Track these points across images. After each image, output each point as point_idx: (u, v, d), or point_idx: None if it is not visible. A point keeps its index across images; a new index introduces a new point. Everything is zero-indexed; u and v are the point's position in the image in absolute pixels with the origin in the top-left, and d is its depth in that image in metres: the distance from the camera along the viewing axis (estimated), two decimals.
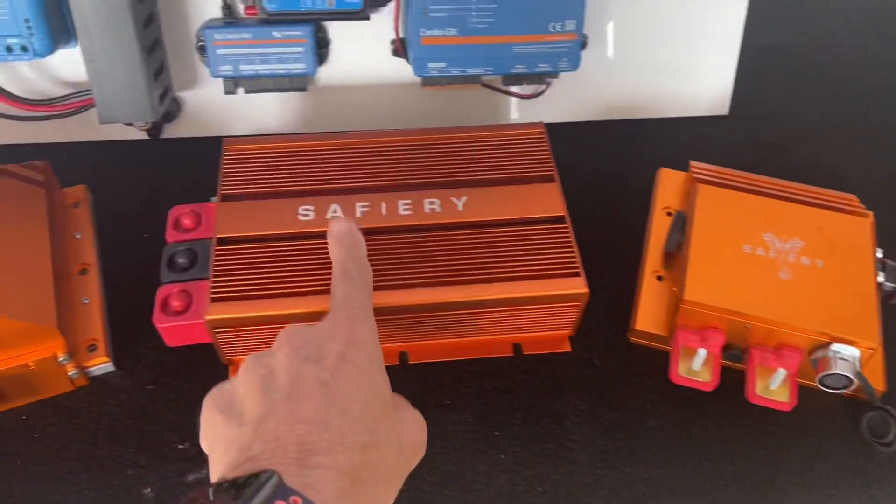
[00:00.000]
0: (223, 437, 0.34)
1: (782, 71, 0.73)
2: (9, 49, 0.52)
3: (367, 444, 0.33)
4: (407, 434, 0.38)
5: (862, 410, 0.49)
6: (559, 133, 0.61)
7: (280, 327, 0.47)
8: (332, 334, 0.37)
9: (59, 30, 0.53)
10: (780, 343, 0.48)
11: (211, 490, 0.30)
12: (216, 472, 0.33)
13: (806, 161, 0.65)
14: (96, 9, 0.52)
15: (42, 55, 0.53)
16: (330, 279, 0.47)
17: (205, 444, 0.35)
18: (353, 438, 0.33)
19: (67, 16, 0.53)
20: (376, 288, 0.47)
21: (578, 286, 0.48)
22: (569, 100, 0.65)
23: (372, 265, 0.48)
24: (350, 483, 0.32)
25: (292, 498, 0.29)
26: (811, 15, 0.80)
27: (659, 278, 0.54)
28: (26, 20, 0.51)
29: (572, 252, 0.50)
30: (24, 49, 0.52)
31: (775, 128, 0.68)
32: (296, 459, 0.31)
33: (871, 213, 0.54)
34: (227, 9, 0.58)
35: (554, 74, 0.61)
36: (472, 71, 0.58)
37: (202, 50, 0.59)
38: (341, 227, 0.44)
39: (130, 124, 0.61)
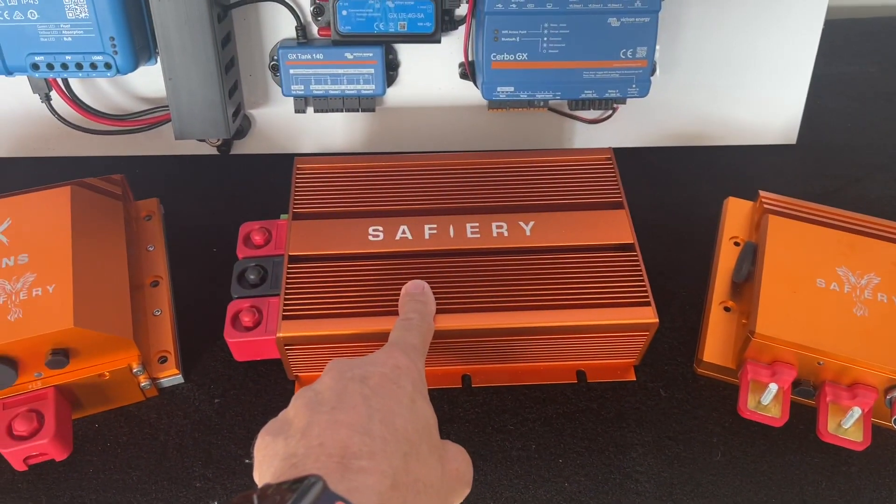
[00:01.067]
0: (271, 452, 0.34)
1: (852, 100, 0.72)
2: (93, 66, 0.54)
3: (408, 453, 0.34)
4: (450, 460, 0.38)
5: None
6: (624, 158, 0.61)
7: (349, 346, 0.48)
8: (379, 360, 0.39)
9: (141, 47, 0.55)
10: (854, 380, 0.47)
11: (256, 496, 0.30)
12: (262, 482, 0.34)
13: (877, 193, 0.64)
14: (179, 28, 0.53)
15: (124, 72, 0.54)
16: (396, 299, 0.48)
17: (256, 474, 0.35)
18: (394, 446, 0.34)
19: (150, 34, 0.55)
20: (444, 311, 0.48)
21: (648, 316, 0.48)
22: (635, 125, 0.65)
23: (439, 287, 0.48)
24: (391, 487, 0.32)
25: (336, 503, 0.29)
26: (882, 44, 0.79)
27: (727, 309, 0.53)
28: (111, 38, 0.53)
29: (642, 280, 0.49)
30: (107, 66, 0.54)
31: (844, 158, 0.67)
32: (339, 463, 0.32)
33: None
34: (301, 30, 0.59)
35: (622, 100, 0.61)
36: (540, 95, 0.58)
37: (275, 69, 0.60)
38: (415, 285, 0.47)
39: (203, 140, 0.63)
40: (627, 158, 0.62)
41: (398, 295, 0.48)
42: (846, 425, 0.47)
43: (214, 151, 0.65)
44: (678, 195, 0.64)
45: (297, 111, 0.62)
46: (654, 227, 0.60)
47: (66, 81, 0.58)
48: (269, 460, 0.34)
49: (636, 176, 0.63)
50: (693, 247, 0.58)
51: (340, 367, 0.38)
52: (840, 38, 0.78)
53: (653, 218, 0.61)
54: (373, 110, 0.62)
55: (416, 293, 0.47)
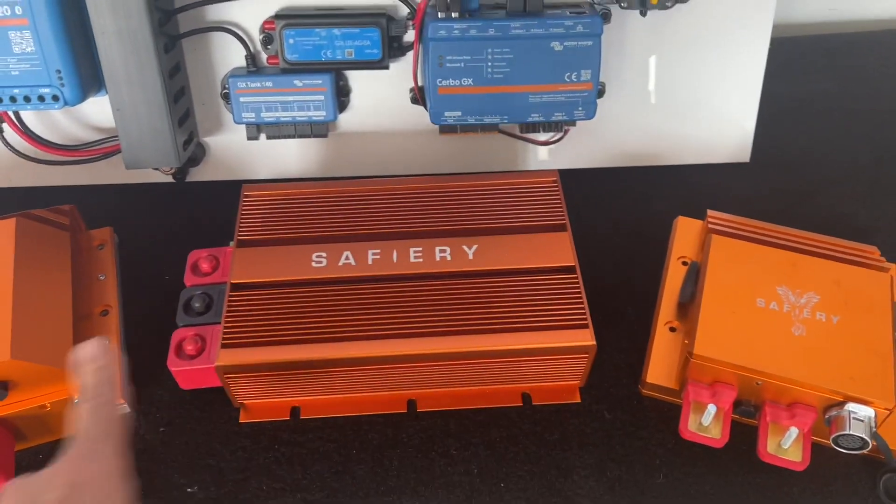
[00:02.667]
0: None
1: (809, 116, 0.73)
2: (41, 98, 0.54)
3: None
4: None
5: (878, 471, 0.47)
6: (577, 179, 0.61)
7: (289, 373, 0.48)
8: (52, 482, 0.35)
9: (88, 79, 0.56)
10: (794, 400, 0.48)
11: None
12: None
13: (829, 210, 0.64)
14: (124, 59, 0.54)
15: (72, 104, 0.55)
16: (339, 327, 0.48)
17: None
18: None
19: (97, 65, 0.55)
20: (389, 335, 0.48)
21: (586, 338, 0.48)
22: (587, 146, 0.66)
23: (381, 314, 0.49)
24: None
25: None
26: (839, 60, 0.79)
27: (672, 329, 0.54)
28: (58, 71, 0.54)
29: (581, 303, 0.50)
30: (55, 98, 0.54)
31: (798, 175, 0.67)
32: None
33: (892, 265, 0.53)
34: (251, 58, 0.59)
35: (571, 122, 0.61)
36: (488, 120, 0.59)
37: (226, 97, 0.61)
38: (87, 351, 0.40)
39: (156, 168, 0.63)
40: (580, 179, 0.63)
41: (340, 321, 0.49)
42: (785, 445, 0.47)
43: (170, 179, 0.65)
44: (631, 215, 0.64)
45: (249, 138, 0.62)
46: (607, 248, 0.60)
47: (17, 114, 0.59)
48: None
49: (589, 196, 0.63)
50: (644, 267, 0.58)
51: (15, 500, 0.34)
52: (797, 55, 0.79)
53: (605, 238, 0.61)
54: (325, 136, 0.63)
55: (89, 360, 0.40)
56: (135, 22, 0.53)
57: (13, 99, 0.54)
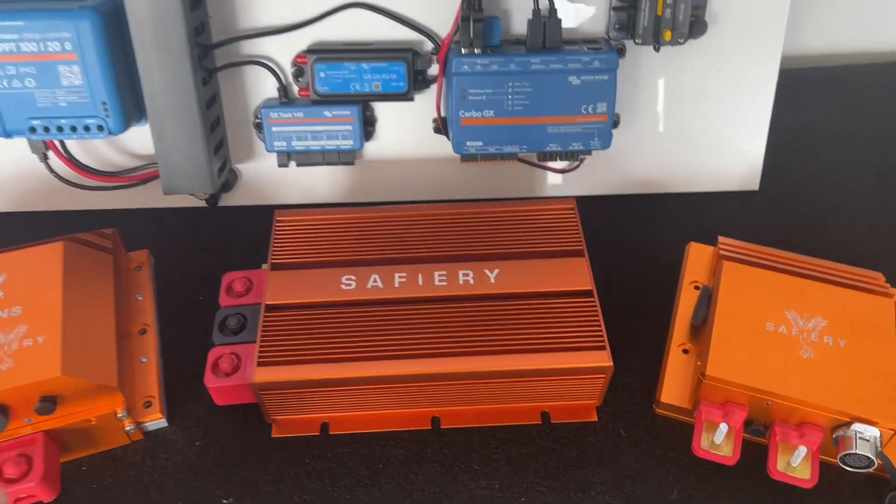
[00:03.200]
0: None
1: (817, 145, 0.75)
2: (86, 128, 0.58)
3: None
4: None
5: (885, 490, 0.49)
6: (593, 206, 0.64)
7: (321, 391, 0.51)
8: None
9: (131, 110, 0.59)
10: (802, 420, 0.50)
11: None
12: None
13: (837, 237, 0.66)
14: (166, 92, 0.57)
15: (116, 133, 0.58)
16: (367, 347, 0.51)
17: None
18: None
19: (139, 97, 0.59)
20: (414, 355, 0.50)
21: (603, 359, 0.51)
22: (603, 174, 0.68)
23: (407, 335, 0.51)
24: None
25: None
26: (846, 90, 0.82)
27: (685, 351, 0.56)
28: (103, 103, 0.57)
29: (598, 326, 0.52)
30: (100, 128, 0.58)
31: (806, 203, 0.70)
32: None
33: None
34: (283, 90, 0.62)
35: (587, 152, 0.64)
36: (507, 149, 0.61)
37: (259, 127, 0.64)
38: None
39: (191, 194, 0.66)
40: (596, 206, 0.66)
41: (368, 341, 0.51)
42: (794, 463, 0.49)
43: (203, 204, 0.68)
44: (644, 241, 0.66)
45: (280, 165, 0.65)
46: (621, 272, 0.63)
47: (62, 142, 0.62)
48: None
49: (604, 222, 0.66)
50: (657, 291, 0.61)
51: None
52: (804, 86, 0.81)
53: (619, 263, 0.64)
54: (352, 163, 0.66)
55: None
56: (176, 57, 0.56)
57: (60, 129, 0.58)
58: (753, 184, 0.70)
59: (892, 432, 0.48)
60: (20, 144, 0.61)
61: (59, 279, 0.52)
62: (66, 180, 0.63)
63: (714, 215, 0.68)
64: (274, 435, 0.53)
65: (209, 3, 0.59)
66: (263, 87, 0.63)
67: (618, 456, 0.52)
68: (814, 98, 0.81)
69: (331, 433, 0.53)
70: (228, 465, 0.52)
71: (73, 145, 0.63)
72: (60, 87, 0.56)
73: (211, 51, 0.60)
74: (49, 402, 0.48)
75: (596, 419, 0.54)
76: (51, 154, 0.62)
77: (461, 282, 0.55)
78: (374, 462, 0.52)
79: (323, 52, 0.61)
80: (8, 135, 0.58)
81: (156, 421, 0.53)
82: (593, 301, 0.53)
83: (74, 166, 0.62)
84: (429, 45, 0.61)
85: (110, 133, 0.58)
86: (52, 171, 0.63)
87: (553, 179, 0.69)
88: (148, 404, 0.53)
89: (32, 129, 0.58)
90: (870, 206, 0.69)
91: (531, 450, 0.53)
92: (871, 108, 0.80)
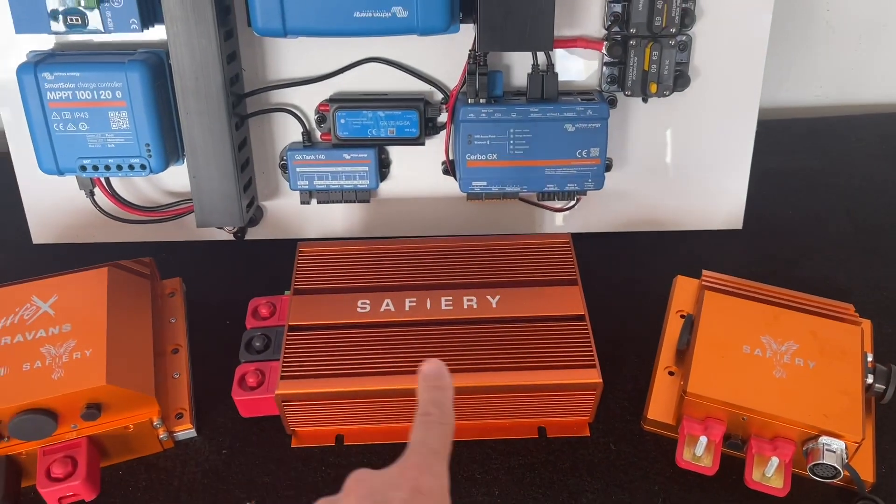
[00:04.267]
0: None
1: (796, 190, 0.81)
2: (131, 167, 0.64)
3: None
4: None
5: (852, 500, 0.54)
6: (589, 242, 0.70)
7: (338, 402, 0.56)
8: (398, 482, 0.36)
9: (170, 151, 0.66)
10: (776, 434, 0.54)
11: None
12: None
13: (813, 273, 0.72)
14: (203, 135, 0.64)
15: (156, 172, 0.65)
16: (380, 363, 0.56)
17: None
18: None
19: (178, 140, 0.65)
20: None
21: (593, 376, 0.56)
22: (597, 213, 0.74)
23: (416, 353, 0.57)
24: None
25: None
26: (824, 141, 0.88)
27: (671, 373, 0.61)
28: (147, 144, 0.64)
29: (589, 346, 0.57)
30: (143, 167, 0.64)
31: (786, 243, 0.75)
32: None
33: (865, 321, 0.61)
34: (307, 135, 0.69)
35: (582, 192, 0.70)
36: (509, 189, 0.68)
37: (284, 168, 0.70)
38: (431, 368, 0.42)
39: (221, 228, 0.72)
40: (591, 242, 0.71)
41: (380, 358, 0.57)
42: (769, 474, 0.54)
43: (231, 237, 0.75)
44: (636, 274, 0.72)
45: (302, 202, 0.72)
46: (614, 303, 0.68)
47: (107, 179, 0.68)
48: None
49: (598, 257, 0.71)
50: (646, 319, 0.66)
51: (360, 491, 0.36)
52: (786, 136, 0.88)
53: (612, 294, 0.69)
54: (368, 201, 0.72)
55: (433, 377, 0.41)
56: (213, 104, 0.63)
57: (108, 167, 0.64)
58: (737, 223, 0.75)
59: (856, 445, 0.52)
60: (69, 181, 0.68)
61: (104, 300, 0.58)
62: (109, 214, 0.70)
63: (700, 251, 0.74)
64: (293, 445, 0.58)
65: (243, 58, 0.66)
66: (289, 131, 0.70)
67: (608, 467, 0.57)
68: (794, 147, 0.87)
69: (345, 444, 0.58)
70: (251, 472, 0.57)
71: (116, 182, 0.70)
72: (110, 130, 0.63)
73: (243, 99, 0.67)
74: (94, 409, 0.54)
75: (588, 434, 0.59)
76: (97, 190, 0.69)
77: (465, 306, 0.60)
78: None
79: (343, 101, 0.68)
80: (61, 172, 0.64)
81: (186, 431, 0.59)
82: (585, 325, 0.59)
83: (117, 202, 0.69)
84: (438, 96, 0.68)
85: (151, 171, 0.65)
86: (96, 205, 0.69)
87: (551, 217, 0.74)
88: (179, 416, 0.59)
89: (83, 168, 0.64)
90: (843, 246, 0.75)
91: (528, 461, 0.57)
92: (845, 156, 0.86)
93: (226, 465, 0.57)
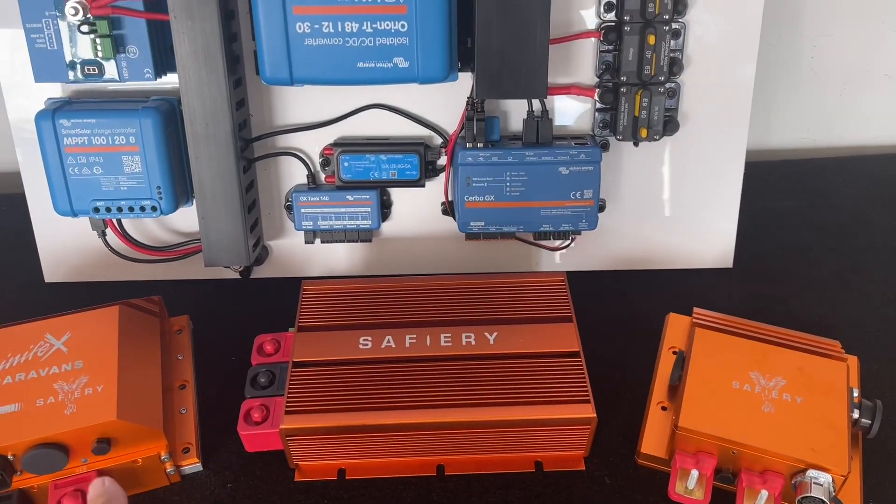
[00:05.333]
0: None
1: (785, 230, 0.84)
2: (142, 209, 0.67)
3: None
4: None
5: None
6: (583, 280, 0.72)
7: (340, 437, 0.58)
8: None
9: (180, 193, 0.68)
10: (765, 468, 0.56)
11: None
12: None
13: (801, 311, 0.74)
14: (212, 178, 0.66)
15: (166, 213, 0.67)
16: (381, 399, 0.58)
17: None
18: None
19: (188, 183, 0.68)
20: (422, 406, 0.57)
21: (588, 411, 0.58)
22: (591, 252, 0.77)
23: (416, 389, 0.59)
24: None
25: None
26: (812, 182, 0.91)
27: (663, 408, 0.63)
28: (158, 187, 0.66)
29: (584, 382, 0.59)
30: (153, 209, 0.67)
31: (775, 281, 0.77)
32: None
33: (851, 357, 0.63)
34: (312, 177, 0.72)
35: (576, 232, 0.72)
36: (506, 229, 0.70)
37: (289, 209, 0.73)
38: (95, 489, 0.53)
39: (228, 267, 0.75)
40: (585, 280, 0.73)
41: (383, 394, 0.59)
42: None
43: (237, 276, 0.77)
44: (629, 312, 0.74)
45: (306, 242, 0.74)
46: (608, 339, 0.70)
47: (119, 220, 0.71)
48: None
49: (593, 295, 0.74)
50: (639, 356, 0.68)
51: None
52: (774, 177, 0.91)
53: (606, 331, 0.71)
54: (370, 241, 0.75)
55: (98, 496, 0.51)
56: (222, 148, 0.65)
57: (120, 209, 0.67)
58: (727, 262, 0.78)
59: (843, 478, 0.54)
60: (82, 222, 0.71)
61: (115, 338, 0.60)
62: (120, 254, 0.72)
63: (691, 289, 0.76)
64: (296, 479, 0.60)
65: (251, 104, 0.69)
66: (294, 174, 0.73)
67: (603, 500, 0.58)
68: (783, 188, 0.90)
69: (347, 478, 0.60)
70: None
71: (127, 223, 0.72)
72: (123, 174, 0.66)
73: (251, 143, 0.70)
74: (104, 444, 0.55)
75: (584, 468, 0.60)
76: (108, 231, 0.71)
77: (464, 343, 0.62)
78: None
79: (347, 145, 0.70)
80: (75, 214, 0.67)
81: (193, 465, 0.60)
82: (580, 361, 0.61)
83: (128, 242, 0.71)
84: (438, 140, 0.71)
85: (162, 213, 0.67)
86: (108, 245, 0.71)
87: (547, 256, 0.77)
88: (186, 450, 0.60)
89: (96, 210, 0.67)
90: (830, 283, 0.77)
91: (525, 494, 0.59)
92: (831, 197, 0.89)
93: (231, 498, 0.59)
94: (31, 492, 0.56)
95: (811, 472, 0.54)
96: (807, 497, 0.54)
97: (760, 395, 0.58)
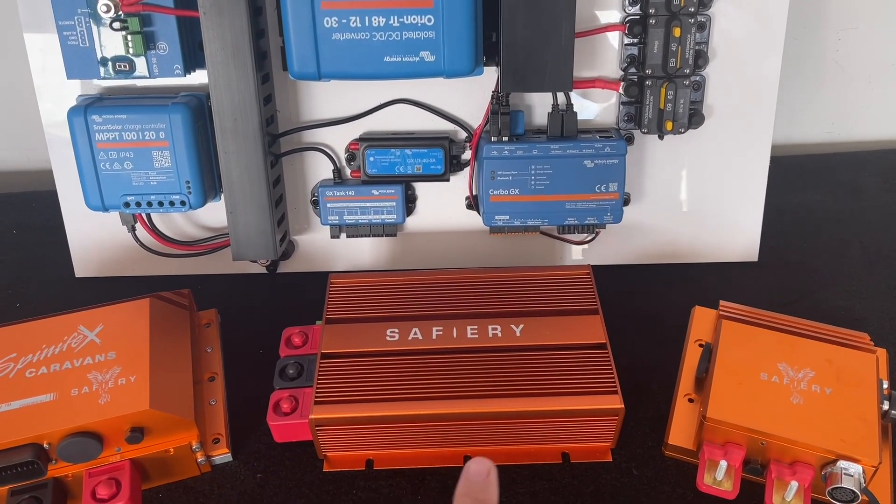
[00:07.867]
0: None
1: (809, 224, 0.83)
2: (171, 203, 0.68)
3: None
4: None
5: None
6: (609, 274, 0.72)
7: (369, 427, 0.58)
8: None
9: (208, 188, 0.69)
10: (794, 459, 0.56)
11: None
12: None
13: (828, 304, 0.73)
14: (240, 173, 0.67)
15: (195, 208, 0.68)
16: (408, 389, 0.58)
17: None
18: None
19: (216, 177, 0.69)
20: (449, 397, 0.58)
21: (615, 402, 0.58)
22: (616, 246, 0.77)
23: (443, 380, 0.59)
24: None
25: None
26: (837, 176, 0.91)
27: (690, 400, 0.63)
28: (187, 182, 0.67)
29: (611, 373, 0.59)
30: (182, 203, 0.68)
31: (801, 275, 0.77)
32: None
33: (880, 349, 0.62)
34: (338, 172, 0.72)
35: (601, 226, 0.72)
36: (531, 223, 0.70)
37: (315, 203, 0.74)
38: (479, 467, 0.42)
39: (255, 261, 0.76)
40: (611, 274, 0.74)
41: (411, 385, 0.59)
42: (788, 498, 0.55)
43: (264, 270, 0.78)
44: (655, 305, 0.74)
45: (332, 237, 0.75)
46: (634, 333, 0.70)
47: (148, 215, 0.72)
48: None
49: (618, 289, 0.74)
50: (666, 349, 0.68)
51: None
52: (798, 171, 0.90)
53: (632, 324, 0.71)
54: (395, 235, 0.75)
55: (477, 482, 0.41)
56: (250, 144, 0.66)
57: (150, 204, 0.68)
58: (753, 255, 0.77)
59: (874, 469, 0.54)
60: (112, 217, 0.72)
61: (146, 329, 0.61)
62: (149, 248, 0.73)
63: (717, 283, 0.76)
64: (325, 469, 0.60)
65: (278, 100, 0.70)
66: (320, 169, 0.73)
67: (631, 492, 0.58)
68: (808, 182, 0.90)
69: (375, 468, 0.60)
70: (285, 495, 0.59)
71: (156, 217, 0.73)
72: (152, 169, 0.67)
73: (278, 139, 0.71)
74: (137, 433, 0.56)
75: (611, 459, 0.61)
76: (138, 226, 0.72)
77: (490, 335, 0.63)
78: (413, 494, 0.59)
79: (372, 140, 0.71)
80: (106, 209, 0.68)
81: (222, 455, 0.61)
82: (607, 353, 0.61)
83: (157, 236, 0.72)
84: (463, 134, 0.72)
85: (191, 207, 0.68)
86: (137, 240, 0.72)
87: (571, 251, 0.77)
88: (216, 440, 0.61)
89: (126, 204, 0.68)
90: (856, 278, 0.77)
91: (553, 485, 0.59)
92: (857, 191, 0.89)
93: (260, 488, 0.60)
94: (65, 480, 0.57)
95: (841, 463, 0.54)
96: (838, 488, 0.54)
97: (789, 386, 0.58)
